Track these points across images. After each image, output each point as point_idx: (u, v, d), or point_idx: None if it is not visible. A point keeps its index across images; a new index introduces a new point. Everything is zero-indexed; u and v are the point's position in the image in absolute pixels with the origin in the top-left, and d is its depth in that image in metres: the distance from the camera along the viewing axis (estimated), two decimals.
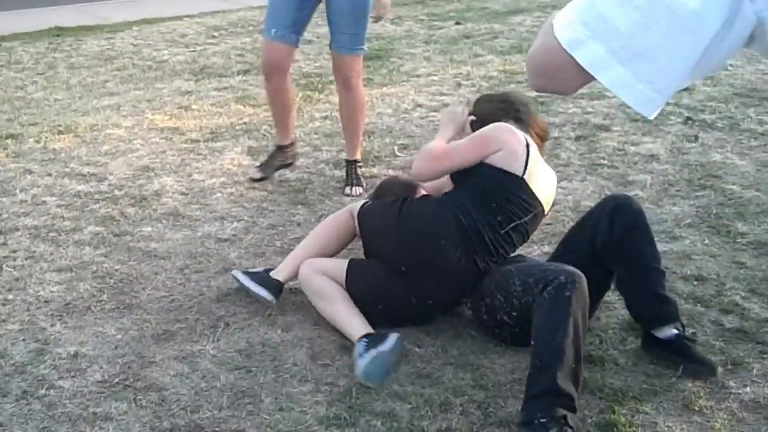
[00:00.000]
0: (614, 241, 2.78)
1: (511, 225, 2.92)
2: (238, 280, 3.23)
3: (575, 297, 2.50)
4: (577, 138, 4.90)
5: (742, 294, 3.14)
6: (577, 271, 2.58)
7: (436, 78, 6.42)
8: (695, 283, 3.24)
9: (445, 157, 3.03)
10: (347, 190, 4.31)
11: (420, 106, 5.70)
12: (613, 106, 5.44)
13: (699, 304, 3.09)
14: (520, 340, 2.77)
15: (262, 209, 4.12)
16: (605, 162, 4.48)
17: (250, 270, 3.32)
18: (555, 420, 2.33)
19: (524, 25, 8.28)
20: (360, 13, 4.06)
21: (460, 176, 3.04)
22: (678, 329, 2.74)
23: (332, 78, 4.70)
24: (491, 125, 3.03)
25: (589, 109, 5.41)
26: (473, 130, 3.12)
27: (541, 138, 3.16)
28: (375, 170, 4.55)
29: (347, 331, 2.98)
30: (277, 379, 2.78)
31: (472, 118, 3.18)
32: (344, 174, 4.40)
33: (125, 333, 3.07)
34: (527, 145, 2.96)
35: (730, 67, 6.18)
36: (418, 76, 6.53)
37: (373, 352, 2.78)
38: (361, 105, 4.34)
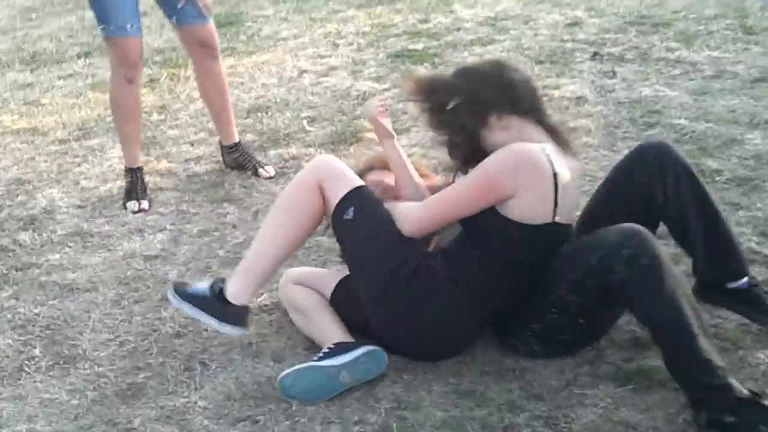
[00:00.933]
0: (674, 200, 2.40)
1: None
2: (185, 312, 2.54)
3: (652, 260, 2.11)
4: None
5: (755, 239, 2.93)
6: (626, 227, 2.20)
7: (305, 40, 5.89)
8: None
9: (437, 216, 2.38)
10: (260, 172, 3.79)
11: (306, 71, 5.18)
12: (508, 48, 5.16)
13: None
14: (560, 352, 2.44)
15: (182, 213, 3.53)
16: None
17: (194, 291, 2.55)
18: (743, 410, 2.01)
19: None
20: None
21: (470, 225, 2.39)
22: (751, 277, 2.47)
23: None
24: (501, 154, 2.28)
25: (488, 56, 5.09)
26: (451, 123, 2.41)
27: (557, 132, 2.43)
28: (293, 150, 4.03)
29: (321, 341, 2.52)
30: (293, 426, 2.28)
31: (454, 103, 2.36)
32: (246, 158, 3.86)
33: (81, 395, 2.46)
34: (553, 170, 2.27)
35: None
36: (284, 39, 5.98)
37: (305, 365, 2.36)
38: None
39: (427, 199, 2.44)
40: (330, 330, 2.54)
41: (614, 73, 4.57)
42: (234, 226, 3.38)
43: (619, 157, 3.48)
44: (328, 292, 2.63)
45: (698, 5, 5.67)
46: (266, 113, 4.52)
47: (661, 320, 2.12)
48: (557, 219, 2.30)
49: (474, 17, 5.95)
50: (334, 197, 2.43)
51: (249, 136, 4.22)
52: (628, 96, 4.27)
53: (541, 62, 4.87)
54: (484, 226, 2.32)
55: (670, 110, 4.05)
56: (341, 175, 2.48)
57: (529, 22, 5.67)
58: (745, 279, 2.46)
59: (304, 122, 4.33)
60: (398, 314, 2.39)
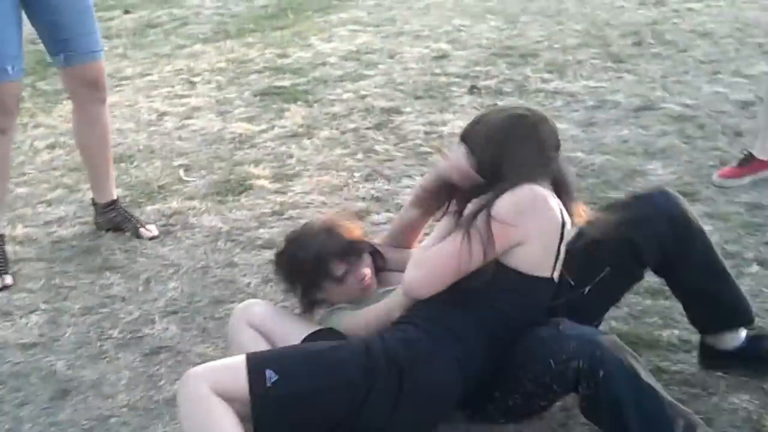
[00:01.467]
0: (670, 256, 2.19)
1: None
2: None
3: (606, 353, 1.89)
4: (378, 126, 4.32)
5: None
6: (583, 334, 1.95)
7: (154, 78, 5.44)
8: None
9: (445, 272, 2.04)
10: (142, 232, 3.34)
11: (166, 114, 4.73)
12: (380, 84, 4.95)
13: (668, 298, 2.71)
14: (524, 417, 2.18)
15: (55, 288, 3.03)
16: (430, 150, 3.96)
17: None
18: None
19: (204, 6, 7.47)
20: (88, 7, 3.09)
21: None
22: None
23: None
24: (515, 196, 2.01)
25: (363, 92, 4.85)
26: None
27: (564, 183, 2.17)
28: (174, 204, 3.59)
29: None
30: None
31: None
32: (124, 217, 3.40)
33: None
34: (563, 219, 2.05)
35: (462, 27, 6.00)
36: (129, 78, 5.50)
37: None
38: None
39: (423, 257, 2.08)
40: None
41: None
42: (123, 299, 2.92)
43: None
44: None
45: (558, 35, 5.70)
46: (130, 163, 4.06)
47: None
48: (554, 275, 2.08)
49: (335, 51, 5.71)
50: (240, 384, 1.90)
51: (117, 191, 3.74)
52: None
53: (419, 97, 4.68)
54: (482, 278, 2.01)
55: (564, 143, 3.90)
56: (224, 366, 1.97)
57: (395, 56, 5.49)
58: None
59: (181, 172, 3.91)
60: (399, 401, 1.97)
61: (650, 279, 2.53)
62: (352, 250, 2.35)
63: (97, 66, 3.17)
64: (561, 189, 2.11)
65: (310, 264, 2.32)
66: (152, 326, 2.75)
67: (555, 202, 2.04)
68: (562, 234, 2.04)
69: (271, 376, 1.89)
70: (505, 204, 1.99)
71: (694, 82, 4.68)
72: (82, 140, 3.34)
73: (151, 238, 3.31)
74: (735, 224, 3.10)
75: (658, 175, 3.56)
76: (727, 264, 2.76)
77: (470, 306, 2.03)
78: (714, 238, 2.94)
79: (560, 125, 4.13)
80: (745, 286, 2.67)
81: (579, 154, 3.82)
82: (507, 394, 2.06)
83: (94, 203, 3.42)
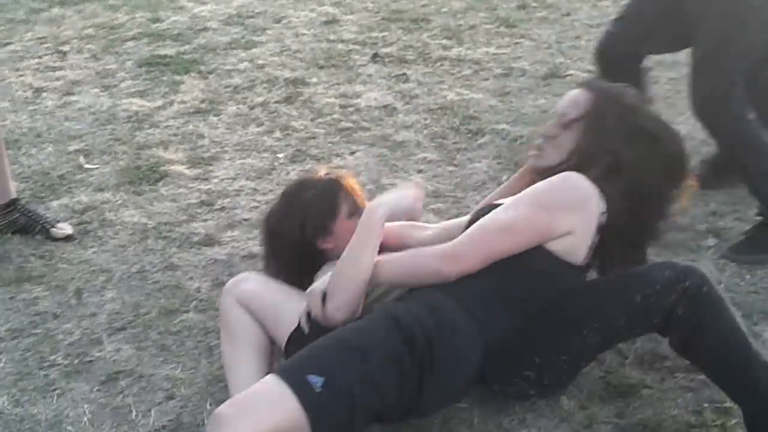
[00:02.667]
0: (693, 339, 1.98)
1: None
2: None
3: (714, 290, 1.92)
4: (287, 100, 4.06)
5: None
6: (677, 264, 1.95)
7: (17, 47, 4.96)
8: None
9: (489, 251, 1.94)
10: (54, 232, 2.97)
11: (42, 90, 4.25)
12: (275, 51, 4.67)
13: None
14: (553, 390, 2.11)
15: None
16: (351, 125, 3.76)
17: None
18: None
19: None
20: None
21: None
22: None
23: None
24: (562, 179, 1.96)
25: (260, 61, 4.55)
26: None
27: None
28: (83, 198, 3.22)
29: (232, 386, 2.10)
30: None
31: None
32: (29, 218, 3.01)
33: None
34: (602, 208, 2.00)
35: None
36: None
37: None
38: None
39: (465, 239, 1.97)
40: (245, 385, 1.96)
41: (407, 77, 4.30)
42: (56, 316, 2.58)
43: (466, 173, 3.30)
44: (280, 334, 2.13)
45: None
46: (18, 149, 3.61)
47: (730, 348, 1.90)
48: (584, 262, 2.02)
49: (213, 15, 5.33)
50: (290, 410, 1.74)
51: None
52: (435, 101, 4.01)
53: (322, 67, 4.45)
54: (521, 263, 1.96)
55: (485, 114, 3.87)
56: (256, 395, 1.79)
57: (281, 21, 5.20)
58: None
59: (81, 159, 3.51)
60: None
61: None
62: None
63: None
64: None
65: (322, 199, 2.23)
66: (100, 347, 2.44)
67: (594, 191, 1.97)
68: (599, 221, 1.98)
69: (315, 381, 1.75)
70: (554, 193, 1.96)
71: (589, 47, 4.65)
72: None
73: (66, 238, 2.95)
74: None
75: None
76: (684, 238, 2.81)
77: (499, 277, 1.95)
78: None
79: (475, 95, 4.09)
80: (707, 260, 2.71)
81: (504, 125, 3.74)
82: (550, 356, 1.97)
83: None
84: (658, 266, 1.95)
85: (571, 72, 4.33)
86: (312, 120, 3.82)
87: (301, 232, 2.23)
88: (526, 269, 1.96)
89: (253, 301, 2.17)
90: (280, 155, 3.51)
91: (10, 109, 3.99)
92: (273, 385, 1.76)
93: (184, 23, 5.18)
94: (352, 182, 2.32)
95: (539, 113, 3.88)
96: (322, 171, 2.35)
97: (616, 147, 2.03)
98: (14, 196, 3.00)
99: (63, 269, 2.81)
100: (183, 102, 4.05)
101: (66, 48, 4.81)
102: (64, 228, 2.98)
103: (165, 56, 4.62)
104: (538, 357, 2.00)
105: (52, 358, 2.40)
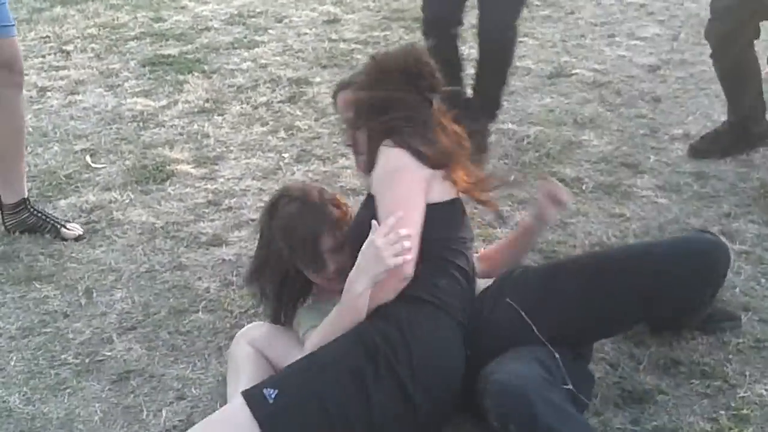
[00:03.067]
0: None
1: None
2: None
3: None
4: (291, 100, 4.06)
5: None
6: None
7: (20, 46, 4.85)
8: None
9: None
10: (64, 232, 2.98)
11: (47, 89, 4.25)
12: (277, 51, 4.67)
13: None
14: None
15: None
16: None
17: None
18: None
19: None
20: None
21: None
22: None
23: None
24: (393, 154, 2.02)
25: (263, 61, 4.55)
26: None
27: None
28: (90, 197, 3.22)
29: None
30: None
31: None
32: (39, 217, 3.01)
33: None
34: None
35: None
36: None
37: None
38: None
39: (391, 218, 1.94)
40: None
41: None
42: (66, 315, 2.58)
43: None
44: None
45: None
46: (27, 149, 3.59)
47: None
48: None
49: (215, 14, 5.34)
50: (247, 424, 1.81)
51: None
52: None
53: (324, 66, 4.46)
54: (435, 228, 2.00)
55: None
56: (222, 417, 1.90)
57: (282, 20, 5.20)
58: None
59: (87, 158, 3.51)
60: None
61: None
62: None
63: (5, 43, 2.76)
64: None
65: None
66: (111, 346, 2.44)
67: (409, 160, 2.00)
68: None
69: (270, 393, 1.81)
70: (391, 163, 2.01)
71: (594, 45, 4.73)
72: None
73: (77, 239, 2.95)
74: (689, 196, 3.13)
75: (595, 146, 3.54)
76: None
77: (422, 255, 1.96)
78: (673, 212, 3.02)
79: None
80: None
81: (510, 125, 3.75)
82: None
83: (1, 204, 3.01)
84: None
85: (577, 71, 4.35)
86: (316, 120, 3.83)
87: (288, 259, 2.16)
88: (429, 228, 1.97)
89: (264, 343, 2.17)
90: (286, 155, 3.52)
91: None
92: (236, 403, 1.85)
93: (187, 23, 5.18)
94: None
95: (545, 112, 3.89)
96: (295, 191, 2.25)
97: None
98: (25, 195, 3.01)
99: (72, 268, 2.81)
100: (187, 102, 4.05)
101: (69, 47, 4.80)
102: (74, 229, 2.99)
103: (168, 56, 4.62)
104: None
105: (63, 356, 2.41)
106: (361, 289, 1.89)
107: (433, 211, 2.01)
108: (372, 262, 1.86)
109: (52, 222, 2.98)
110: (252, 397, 1.83)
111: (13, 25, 2.80)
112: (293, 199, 2.19)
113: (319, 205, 2.17)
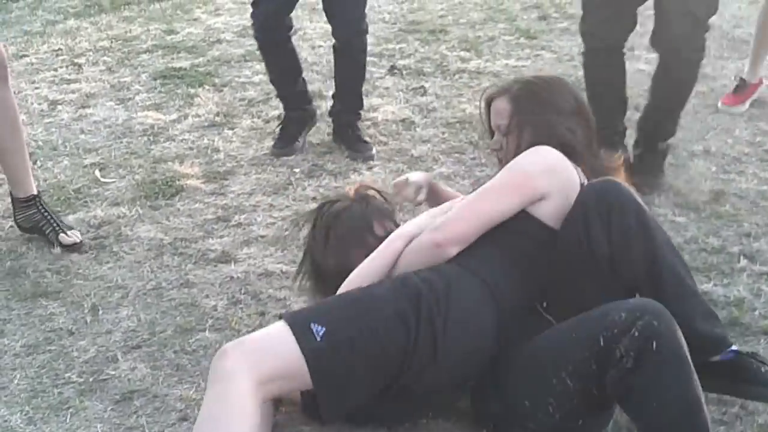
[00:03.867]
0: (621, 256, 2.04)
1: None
2: None
3: (666, 335, 1.79)
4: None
5: None
6: (640, 303, 1.89)
7: (32, 60, 4.83)
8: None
9: (473, 221, 2.08)
10: (62, 238, 2.95)
11: (57, 103, 4.22)
12: None
13: None
14: None
15: None
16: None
17: None
18: None
19: None
20: None
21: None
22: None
23: None
24: (534, 154, 2.12)
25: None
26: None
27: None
28: (98, 212, 3.18)
29: None
30: None
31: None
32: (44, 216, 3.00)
33: None
34: (581, 179, 2.14)
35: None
36: None
37: None
38: None
39: (453, 210, 2.13)
40: None
41: (424, 90, 4.26)
42: (71, 333, 2.53)
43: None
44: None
45: (460, 9, 5.55)
46: (33, 162, 3.56)
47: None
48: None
49: (227, 27, 5.31)
50: (292, 355, 1.86)
51: None
52: (453, 115, 3.97)
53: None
54: (511, 229, 2.08)
55: None
56: (263, 340, 1.91)
57: (296, 33, 5.15)
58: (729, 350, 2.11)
59: (96, 172, 3.47)
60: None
61: None
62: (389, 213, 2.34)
63: None
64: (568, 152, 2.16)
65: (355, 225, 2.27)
66: (115, 365, 2.39)
67: (570, 164, 2.11)
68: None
69: (318, 329, 1.85)
70: (526, 160, 2.10)
71: None
72: None
73: (72, 245, 2.92)
74: (708, 215, 3.06)
75: None
76: (716, 260, 2.76)
77: (497, 244, 2.05)
78: (692, 231, 2.94)
79: None
80: (741, 284, 2.65)
81: None
82: (538, 400, 1.93)
83: (13, 198, 3.01)
84: (615, 307, 1.86)
85: None
86: (328, 134, 3.78)
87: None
88: (520, 235, 2.06)
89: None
90: (297, 170, 3.47)
91: (26, 122, 3.96)
92: (280, 329, 1.88)
93: (199, 35, 5.15)
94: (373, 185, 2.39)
95: None
96: (349, 193, 2.37)
97: (553, 124, 2.19)
98: (34, 192, 2.99)
99: (79, 285, 2.76)
100: (198, 115, 4.01)
101: (81, 60, 4.78)
102: (73, 236, 2.95)
103: (179, 69, 4.59)
104: (527, 400, 1.95)
105: (66, 375, 2.36)
106: (399, 246, 2.09)
107: (537, 225, 2.07)
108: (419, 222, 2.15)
109: (54, 224, 2.96)
110: (299, 328, 1.86)
111: None
112: (334, 202, 2.33)
113: (362, 197, 2.32)
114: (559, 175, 2.08)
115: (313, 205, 3.11)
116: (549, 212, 2.07)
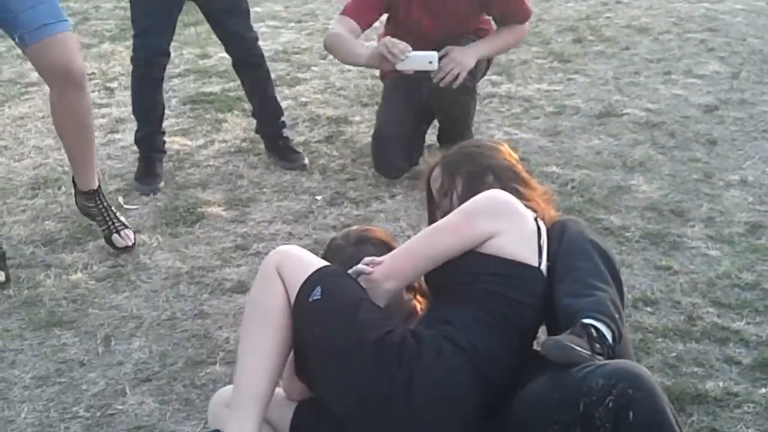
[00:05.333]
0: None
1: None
2: None
3: (643, 404, 1.67)
4: (329, 139, 3.98)
5: (712, 309, 2.64)
6: (616, 367, 1.75)
7: None
8: (649, 308, 2.66)
9: (411, 264, 2.02)
10: (115, 239, 3.02)
11: None
12: (319, 88, 4.61)
13: (697, 340, 2.51)
14: None
15: None
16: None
17: None
18: None
19: None
20: None
21: (447, 275, 2.03)
22: None
23: None
24: (480, 196, 2.05)
25: (303, 99, 4.49)
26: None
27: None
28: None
29: None
30: None
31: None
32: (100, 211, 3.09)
33: None
34: (534, 215, 2.07)
35: None
36: (37, 84, 4.91)
37: None
38: None
39: (393, 251, 2.08)
40: None
41: None
42: (82, 364, 2.50)
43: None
44: (283, 423, 2.02)
45: None
46: (58, 188, 3.58)
47: None
48: (542, 267, 1.98)
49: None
50: (296, 281, 1.93)
51: (48, 225, 3.28)
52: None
53: (366, 105, 4.36)
54: (464, 270, 1.99)
55: (534, 156, 3.73)
56: (300, 258, 2.00)
57: (326, 57, 5.12)
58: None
59: (120, 199, 3.46)
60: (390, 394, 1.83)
61: (674, 318, 2.37)
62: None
63: (57, 41, 2.71)
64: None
65: None
66: (123, 399, 2.35)
67: (516, 201, 2.05)
68: (539, 227, 2.02)
69: (316, 294, 1.89)
70: (470, 203, 2.03)
71: (648, 83, 4.55)
72: (60, 124, 2.94)
73: (123, 249, 3.00)
74: (743, 248, 2.94)
75: (644, 191, 3.38)
76: (750, 297, 2.64)
77: (462, 296, 1.97)
78: (725, 266, 2.82)
79: (524, 135, 3.97)
80: None
81: (554, 168, 3.60)
82: None
83: (75, 186, 3.11)
84: (593, 372, 1.73)
85: (628, 110, 4.19)
86: (353, 161, 3.73)
87: None
88: (482, 275, 1.96)
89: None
90: (319, 197, 3.42)
91: (53, 147, 3.98)
92: (307, 268, 1.94)
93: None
94: (380, 235, 2.27)
95: (593, 154, 3.73)
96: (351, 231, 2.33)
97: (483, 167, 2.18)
98: (94, 187, 3.07)
99: (94, 314, 2.74)
100: (224, 141, 3.99)
101: (114, 85, 4.81)
102: (125, 239, 3.02)
103: (210, 93, 4.59)
104: None
105: (74, 409, 2.32)
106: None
107: (495, 261, 1.97)
108: None
109: (109, 222, 3.05)
110: (308, 282, 1.91)
111: (58, 22, 2.72)
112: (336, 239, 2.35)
113: (359, 240, 2.26)
114: (503, 211, 2.01)
115: (333, 234, 3.11)
116: (504, 245, 1.97)
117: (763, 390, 2.25)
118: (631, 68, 4.79)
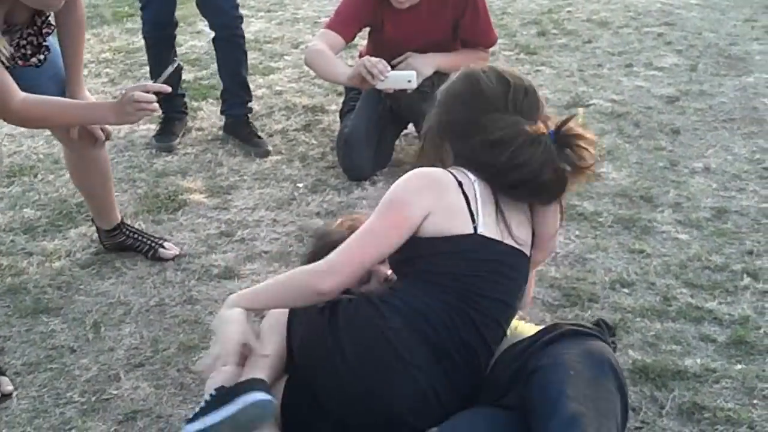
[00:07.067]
0: None
1: (492, 308, 2.00)
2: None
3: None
4: (306, 128, 4.03)
5: (686, 290, 2.76)
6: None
7: None
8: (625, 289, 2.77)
9: (353, 259, 1.99)
10: (162, 253, 2.98)
11: None
12: (296, 78, 4.64)
13: (673, 319, 2.62)
14: None
15: None
16: None
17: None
18: None
19: None
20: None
21: (397, 262, 2.08)
22: None
23: None
24: (402, 179, 2.04)
25: (278, 87, 4.52)
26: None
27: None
28: None
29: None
30: None
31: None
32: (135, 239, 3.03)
33: None
34: (457, 180, 2.00)
35: None
36: None
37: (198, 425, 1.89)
38: None
39: (337, 248, 2.03)
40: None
41: None
42: (73, 351, 2.52)
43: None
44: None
45: None
46: (34, 176, 3.57)
47: None
48: (481, 231, 1.98)
49: None
50: None
51: (27, 212, 3.28)
52: None
53: (341, 94, 4.36)
54: (410, 255, 2.01)
55: None
56: None
57: (298, 46, 5.18)
58: None
59: None
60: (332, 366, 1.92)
61: (650, 299, 2.47)
62: None
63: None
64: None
65: None
66: (118, 384, 2.38)
67: (443, 172, 2.02)
68: (464, 192, 1.98)
69: None
70: (393, 188, 2.04)
71: (612, 75, 4.67)
72: (80, 180, 2.98)
73: (174, 258, 2.96)
74: (710, 232, 3.07)
75: (614, 179, 3.49)
76: (720, 278, 2.76)
77: (414, 280, 2.00)
78: (694, 249, 2.94)
79: None
80: (745, 303, 2.65)
81: None
82: None
83: (97, 227, 3.04)
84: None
85: (594, 101, 4.30)
86: (331, 149, 3.78)
87: None
88: (428, 259, 1.98)
89: None
90: (300, 185, 3.47)
91: (26, 134, 3.96)
92: None
93: (202, 48, 5.15)
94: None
95: None
96: (338, 222, 2.39)
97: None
98: (118, 220, 3.02)
99: (80, 301, 2.75)
100: (201, 129, 4.01)
101: (84, 72, 4.77)
102: (171, 248, 2.99)
103: (183, 81, 4.57)
104: None
105: (68, 395, 2.35)
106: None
107: (437, 242, 1.99)
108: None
109: (149, 242, 2.98)
110: None
111: None
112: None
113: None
114: (431, 188, 2.00)
115: (317, 220, 3.17)
116: (434, 226, 1.97)
117: (739, 366, 2.36)
118: (594, 61, 4.92)
